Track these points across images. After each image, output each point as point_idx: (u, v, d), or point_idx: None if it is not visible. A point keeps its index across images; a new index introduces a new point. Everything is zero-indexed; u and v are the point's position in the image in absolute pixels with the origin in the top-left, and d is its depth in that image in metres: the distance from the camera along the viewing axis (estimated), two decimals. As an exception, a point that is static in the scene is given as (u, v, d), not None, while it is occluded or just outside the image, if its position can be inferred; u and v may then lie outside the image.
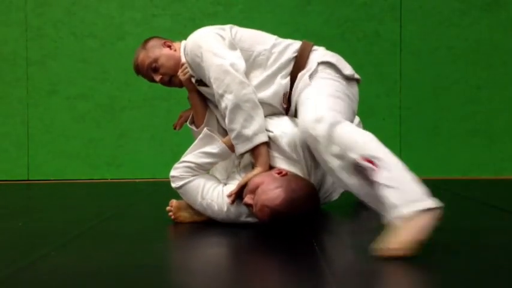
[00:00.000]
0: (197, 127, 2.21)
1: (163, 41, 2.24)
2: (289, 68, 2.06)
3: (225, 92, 1.95)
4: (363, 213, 2.52)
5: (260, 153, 1.96)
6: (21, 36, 3.83)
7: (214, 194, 2.00)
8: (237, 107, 1.93)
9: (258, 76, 2.05)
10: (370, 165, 1.60)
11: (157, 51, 2.19)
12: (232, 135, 1.97)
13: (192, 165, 2.05)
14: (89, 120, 3.86)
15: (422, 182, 1.54)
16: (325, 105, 1.84)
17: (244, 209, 1.97)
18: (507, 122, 3.79)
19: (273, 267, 1.49)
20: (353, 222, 2.31)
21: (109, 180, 3.84)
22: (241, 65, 1.99)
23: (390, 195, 1.54)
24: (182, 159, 2.08)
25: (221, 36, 2.06)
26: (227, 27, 2.12)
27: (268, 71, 2.05)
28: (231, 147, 2.03)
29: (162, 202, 2.20)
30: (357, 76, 2.10)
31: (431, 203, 1.52)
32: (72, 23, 3.84)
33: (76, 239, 1.83)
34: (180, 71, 2.15)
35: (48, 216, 2.35)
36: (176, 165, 2.10)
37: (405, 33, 3.79)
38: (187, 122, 2.27)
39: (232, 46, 2.04)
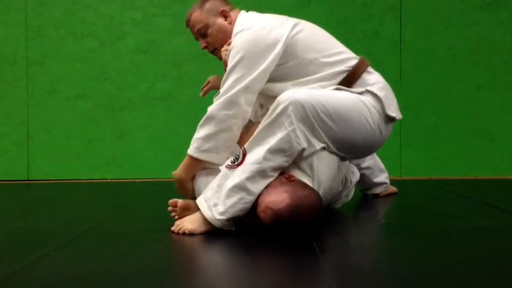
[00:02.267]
0: None
1: (222, 8, 2.16)
2: (337, 80, 2.03)
3: (217, 98, 1.98)
4: (363, 213, 2.53)
5: (192, 165, 2.01)
6: (21, 36, 3.84)
7: None
8: (210, 119, 1.96)
9: (304, 79, 2.03)
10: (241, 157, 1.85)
11: (212, 18, 2.15)
12: (195, 135, 2.00)
13: None
14: (88, 120, 3.86)
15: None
16: (321, 94, 1.91)
17: None
18: (507, 122, 3.79)
19: (273, 267, 1.49)
20: (353, 222, 2.31)
21: (109, 180, 3.84)
22: (257, 85, 1.96)
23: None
24: None
25: (272, 41, 1.98)
26: (291, 23, 2.06)
27: (314, 76, 2.02)
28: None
29: (162, 202, 2.20)
30: (398, 117, 2.07)
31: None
32: (72, 23, 3.84)
33: (76, 239, 1.83)
34: (224, 47, 2.11)
35: (48, 216, 2.35)
36: None
37: (405, 33, 3.79)
38: (214, 97, 2.14)
39: (274, 56, 1.97)
